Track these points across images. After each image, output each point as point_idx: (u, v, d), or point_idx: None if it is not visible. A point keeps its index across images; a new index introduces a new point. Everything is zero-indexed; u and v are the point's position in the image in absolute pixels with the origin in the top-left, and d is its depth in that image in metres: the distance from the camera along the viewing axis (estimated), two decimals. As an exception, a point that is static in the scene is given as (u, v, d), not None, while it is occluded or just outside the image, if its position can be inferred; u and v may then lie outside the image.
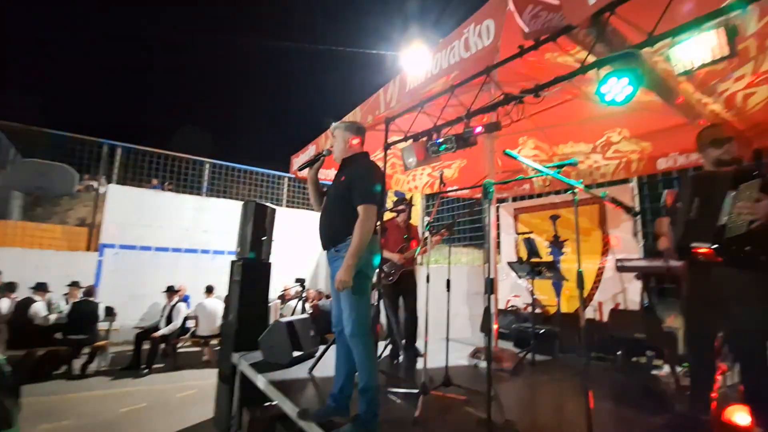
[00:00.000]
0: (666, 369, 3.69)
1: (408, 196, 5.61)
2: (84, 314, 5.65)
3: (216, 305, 6.59)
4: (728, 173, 2.36)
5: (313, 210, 10.78)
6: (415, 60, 3.27)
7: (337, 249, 2.36)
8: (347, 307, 2.25)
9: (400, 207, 4.18)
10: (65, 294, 6.42)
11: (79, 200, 9.92)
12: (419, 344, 4.17)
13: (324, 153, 2.65)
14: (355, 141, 2.55)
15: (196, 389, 5.09)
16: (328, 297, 8.46)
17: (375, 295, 3.35)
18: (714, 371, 2.55)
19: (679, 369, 3.30)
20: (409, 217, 4.36)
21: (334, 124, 2.67)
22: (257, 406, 3.31)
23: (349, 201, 2.32)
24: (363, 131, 2.63)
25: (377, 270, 3.99)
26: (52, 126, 8.29)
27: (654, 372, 3.77)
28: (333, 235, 2.38)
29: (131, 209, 8.04)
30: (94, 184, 9.70)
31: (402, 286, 4.11)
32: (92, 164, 8.42)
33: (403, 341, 4.09)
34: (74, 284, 6.24)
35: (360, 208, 2.27)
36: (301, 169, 2.66)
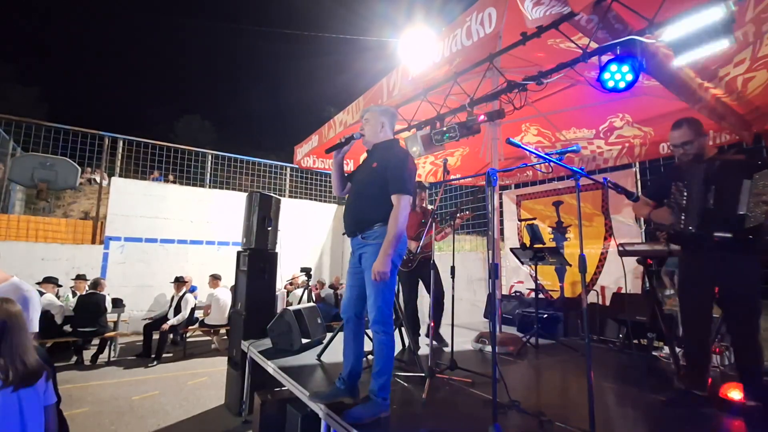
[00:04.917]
0: (666, 350, 3.78)
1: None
2: (90, 307, 5.74)
3: (227, 295, 6.67)
4: (737, 162, 2.36)
5: (316, 200, 10.84)
6: (418, 47, 3.27)
7: (364, 236, 2.33)
8: (373, 294, 2.24)
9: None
10: (72, 287, 6.53)
11: (82, 193, 9.99)
12: (423, 330, 4.24)
13: (354, 136, 2.54)
14: (388, 126, 2.51)
15: (207, 376, 5.20)
16: (332, 287, 8.55)
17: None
18: (709, 352, 2.62)
19: (678, 349, 3.38)
20: (424, 202, 4.30)
21: (365, 108, 2.61)
22: (267, 391, 3.41)
23: (381, 187, 2.29)
24: (396, 117, 2.59)
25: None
26: (52, 119, 8.32)
27: (655, 353, 3.85)
28: (361, 222, 2.35)
29: (135, 202, 8.10)
30: (96, 177, 9.75)
31: (421, 273, 4.01)
32: (94, 157, 8.45)
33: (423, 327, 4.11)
34: (80, 277, 6.33)
35: (395, 197, 2.24)
36: (328, 152, 2.62)
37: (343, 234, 2.57)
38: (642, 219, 5.28)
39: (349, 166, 5.77)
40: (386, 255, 2.16)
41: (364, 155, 2.62)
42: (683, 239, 2.54)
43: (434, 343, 3.92)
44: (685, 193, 2.49)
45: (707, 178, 2.40)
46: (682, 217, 2.48)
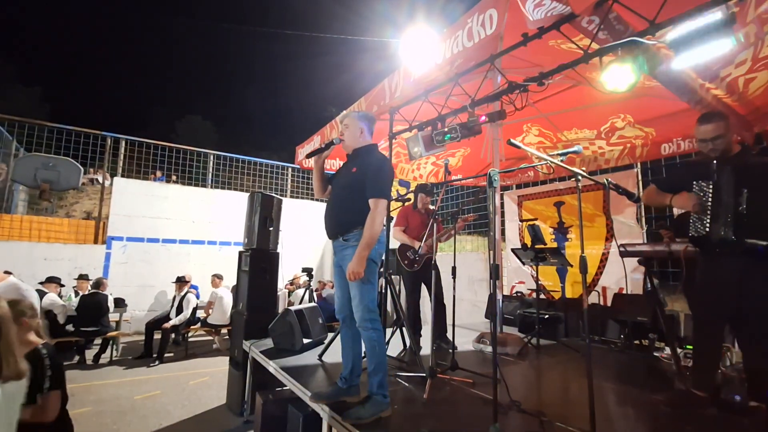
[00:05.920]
0: (667, 351, 3.77)
1: (413, 186, 5.63)
2: (92, 306, 5.76)
3: (229, 295, 6.67)
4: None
5: (318, 200, 10.84)
6: (419, 48, 3.28)
7: (345, 238, 2.38)
8: (356, 295, 2.30)
9: (407, 196, 4.18)
10: (74, 287, 6.55)
11: (85, 194, 10.03)
12: (426, 329, 4.24)
13: (334, 141, 2.60)
14: (367, 131, 2.56)
15: (208, 376, 5.21)
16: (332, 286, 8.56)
17: (381, 282, 3.42)
18: (719, 357, 2.59)
19: (680, 350, 3.38)
20: (427, 203, 4.28)
21: (345, 113, 2.66)
22: (269, 391, 3.42)
23: (359, 192, 2.33)
24: (374, 122, 2.64)
25: (404, 257, 4.02)
26: (54, 119, 8.35)
27: (656, 354, 3.85)
28: (341, 225, 2.41)
29: (137, 202, 8.12)
30: (98, 177, 9.79)
31: (425, 274, 3.97)
32: (96, 157, 8.48)
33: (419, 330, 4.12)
34: (82, 277, 6.35)
35: (372, 201, 2.29)
36: (309, 156, 2.66)
37: None
38: (643, 219, 5.27)
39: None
40: (361, 256, 2.22)
41: None
42: (707, 244, 2.38)
43: (444, 345, 3.93)
44: (711, 195, 2.33)
45: (738, 179, 2.25)
46: (707, 221, 2.33)
